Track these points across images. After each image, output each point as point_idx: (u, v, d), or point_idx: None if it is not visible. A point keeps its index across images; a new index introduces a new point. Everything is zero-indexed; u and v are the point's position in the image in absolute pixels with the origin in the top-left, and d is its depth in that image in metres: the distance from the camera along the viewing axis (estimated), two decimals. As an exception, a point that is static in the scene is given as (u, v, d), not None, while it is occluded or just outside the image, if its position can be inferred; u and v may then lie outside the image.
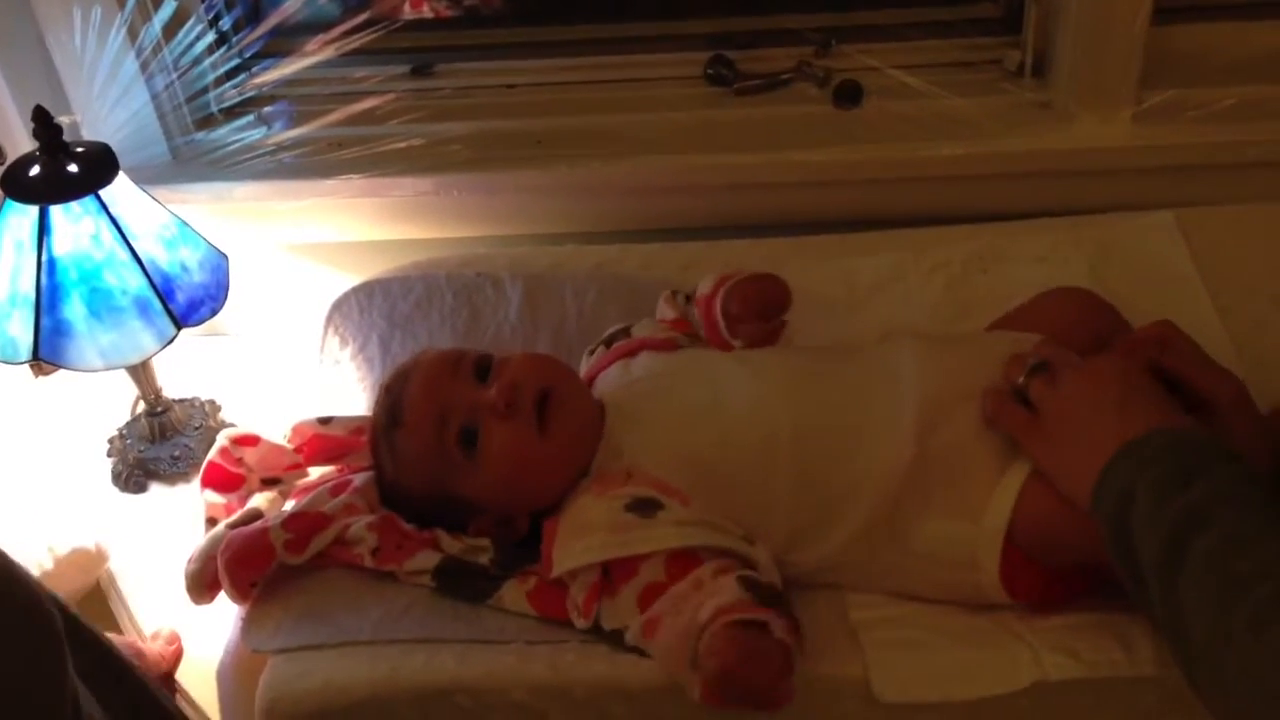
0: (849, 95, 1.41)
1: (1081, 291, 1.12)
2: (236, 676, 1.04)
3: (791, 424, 1.00)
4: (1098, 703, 0.89)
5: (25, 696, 0.68)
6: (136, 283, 1.13)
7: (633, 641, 0.93)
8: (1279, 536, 0.73)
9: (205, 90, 1.42)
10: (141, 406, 1.31)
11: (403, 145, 1.39)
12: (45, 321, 1.11)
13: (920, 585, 0.98)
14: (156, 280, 1.14)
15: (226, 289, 1.22)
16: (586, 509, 1.00)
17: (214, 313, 1.20)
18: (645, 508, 0.97)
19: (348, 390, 1.28)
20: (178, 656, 1.07)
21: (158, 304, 1.14)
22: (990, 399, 0.96)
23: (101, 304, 1.12)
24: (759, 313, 1.13)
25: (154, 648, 1.07)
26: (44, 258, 1.10)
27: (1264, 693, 0.69)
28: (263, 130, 1.42)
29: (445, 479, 1.03)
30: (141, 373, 1.25)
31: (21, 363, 1.13)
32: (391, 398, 1.07)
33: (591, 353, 1.19)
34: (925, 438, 0.96)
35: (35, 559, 1.14)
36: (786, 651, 0.87)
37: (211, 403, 1.35)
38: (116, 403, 1.35)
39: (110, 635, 1.03)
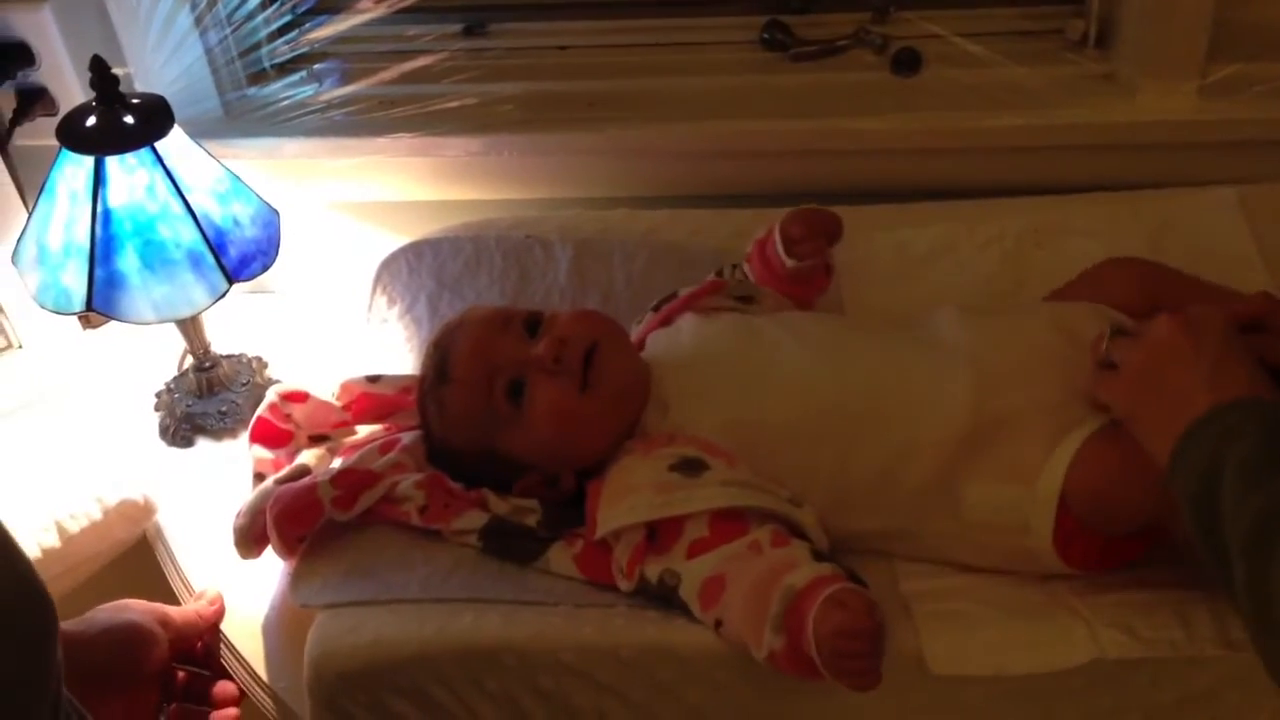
0: (907, 63, 1.38)
1: (1139, 261, 1.09)
2: (282, 631, 1.05)
3: (837, 393, 0.99)
4: (1153, 681, 0.88)
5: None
6: (190, 236, 1.13)
7: (685, 595, 0.93)
8: None
9: (258, 45, 1.41)
10: (189, 361, 1.31)
11: (454, 105, 1.38)
12: (99, 273, 1.11)
13: (972, 553, 0.97)
14: (209, 234, 1.13)
15: (278, 244, 1.21)
16: (631, 470, 1.00)
17: (265, 268, 1.19)
18: (690, 467, 0.97)
19: (395, 349, 1.28)
20: (218, 618, 1.08)
21: (210, 258, 1.13)
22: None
23: (155, 256, 1.12)
24: (821, 233, 1.13)
25: (188, 610, 1.07)
26: (99, 209, 1.10)
27: None
28: (314, 87, 1.42)
29: (492, 435, 1.03)
30: (191, 327, 1.25)
31: (75, 313, 1.13)
32: (440, 353, 1.07)
33: (640, 322, 1.19)
34: (981, 405, 0.95)
35: (84, 509, 1.15)
36: (885, 635, 0.85)
37: (259, 359, 1.35)
38: (164, 357, 1.35)
39: (133, 601, 1.03)
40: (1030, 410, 0.95)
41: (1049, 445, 0.93)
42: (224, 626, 1.08)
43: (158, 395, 1.32)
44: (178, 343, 1.30)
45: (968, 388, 0.96)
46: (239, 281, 1.16)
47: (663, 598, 0.95)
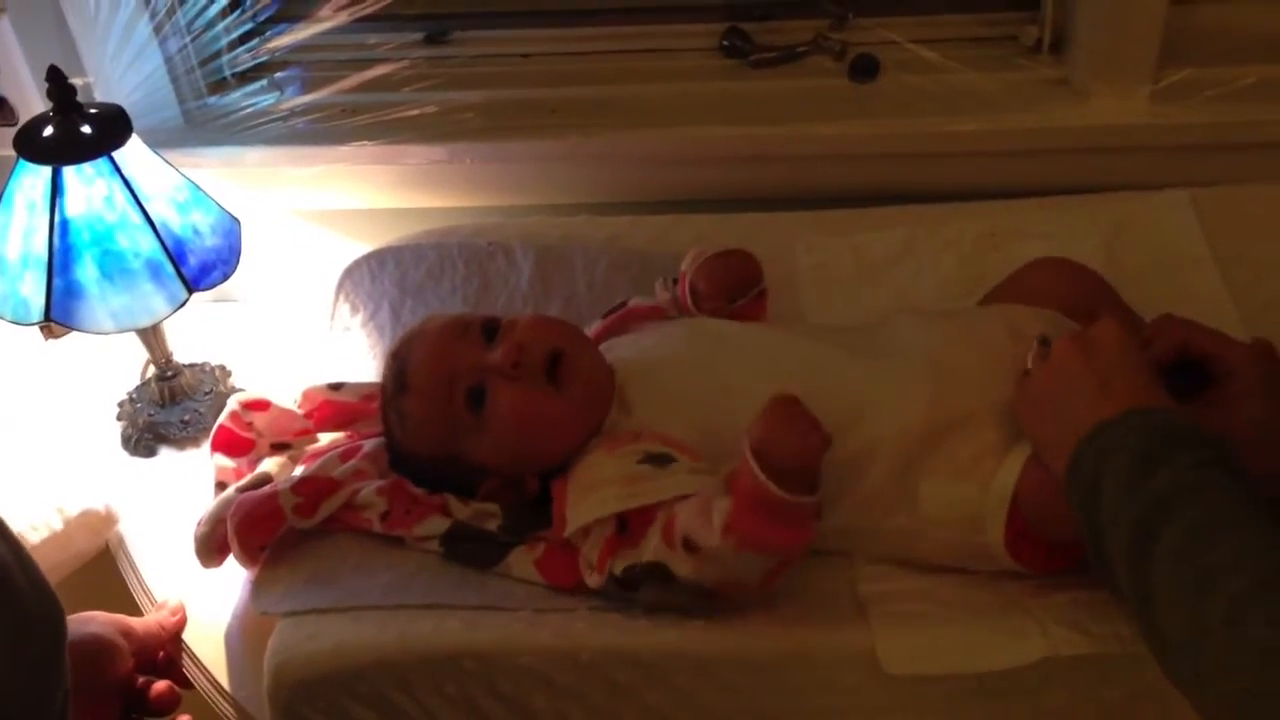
0: (865, 69, 1.40)
1: (1066, 262, 1.12)
2: (244, 639, 1.05)
3: (800, 395, 1.00)
4: (1104, 677, 0.89)
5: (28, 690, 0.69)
6: (148, 245, 1.13)
7: (651, 554, 0.93)
8: (1247, 526, 0.72)
9: (218, 54, 1.41)
10: (152, 371, 1.31)
11: (416, 113, 1.39)
12: (57, 283, 1.11)
13: (929, 549, 0.98)
14: (168, 243, 1.13)
15: (238, 253, 1.21)
16: (597, 466, 1.00)
17: (226, 277, 1.19)
18: (659, 460, 0.98)
19: (358, 357, 1.28)
20: (180, 627, 1.08)
21: (169, 267, 1.13)
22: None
23: (113, 266, 1.12)
24: (725, 291, 1.15)
25: (150, 621, 1.07)
26: (56, 219, 1.10)
27: (1241, 688, 0.68)
28: (275, 95, 1.42)
29: (453, 442, 1.04)
30: (152, 336, 1.25)
31: (34, 324, 1.13)
32: (399, 363, 1.07)
33: (589, 328, 1.20)
34: (938, 405, 0.96)
35: (45, 520, 1.14)
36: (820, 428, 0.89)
37: (222, 368, 1.35)
38: (126, 367, 1.35)
39: (95, 614, 1.03)
40: (985, 411, 0.96)
41: (1003, 446, 0.95)
42: (186, 636, 1.08)
43: (120, 405, 1.31)
44: (140, 352, 1.30)
45: (925, 388, 0.98)
46: (199, 290, 1.16)
47: (630, 585, 0.95)
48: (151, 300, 1.14)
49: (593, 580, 0.97)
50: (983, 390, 0.97)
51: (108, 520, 1.18)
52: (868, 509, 0.98)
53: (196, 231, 1.17)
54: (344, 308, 1.32)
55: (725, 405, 1.02)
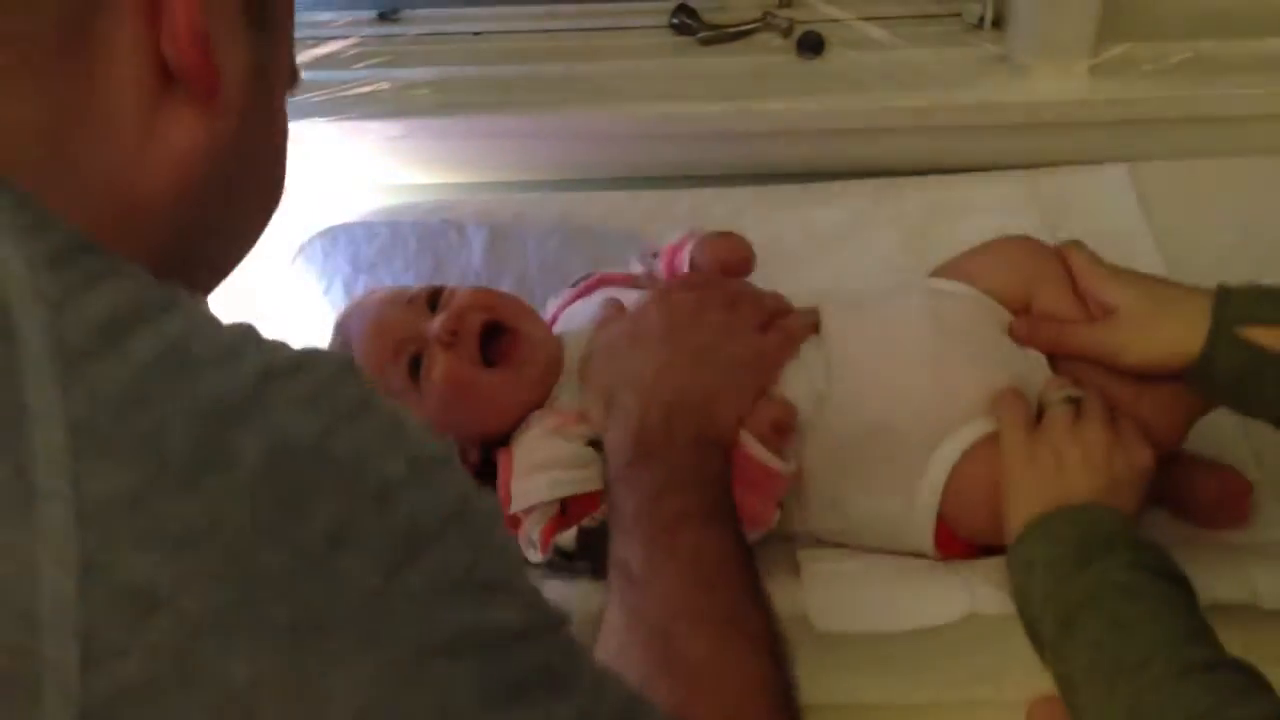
0: (812, 46, 1.41)
1: (1022, 247, 1.07)
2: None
3: None
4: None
5: None
6: (99, 222, 1.13)
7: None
8: (1160, 623, 0.76)
9: (172, 32, 1.41)
10: (107, 348, 1.31)
11: (368, 90, 1.39)
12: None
13: (865, 543, 1.00)
14: (119, 220, 1.14)
15: (190, 230, 1.22)
16: (544, 445, 1.01)
17: (177, 253, 1.20)
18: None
19: (310, 334, 1.29)
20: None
21: (121, 244, 1.14)
22: (1006, 398, 0.94)
23: (64, 243, 1.12)
24: (725, 271, 1.14)
25: None
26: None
27: None
28: (228, 73, 1.42)
29: None
30: (106, 313, 1.26)
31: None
32: (343, 334, 1.09)
33: (558, 297, 1.21)
34: (841, 416, 0.96)
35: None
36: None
37: (177, 345, 1.36)
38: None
39: None
40: (899, 418, 0.96)
41: (922, 455, 0.95)
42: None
43: (76, 382, 1.32)
44: (94, 329, 1.30)
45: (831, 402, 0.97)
46: (150, 266, 1.17)
47: (581, 549, 0.96)
48: (103, 277, 1.15)
49: (534, 556, 0.98)
50: (895, 397, 0.96)
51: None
52: (798, 514, 0.99)
53: (147, 208, 1.18)
54: (297, 284, 1.33)
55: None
